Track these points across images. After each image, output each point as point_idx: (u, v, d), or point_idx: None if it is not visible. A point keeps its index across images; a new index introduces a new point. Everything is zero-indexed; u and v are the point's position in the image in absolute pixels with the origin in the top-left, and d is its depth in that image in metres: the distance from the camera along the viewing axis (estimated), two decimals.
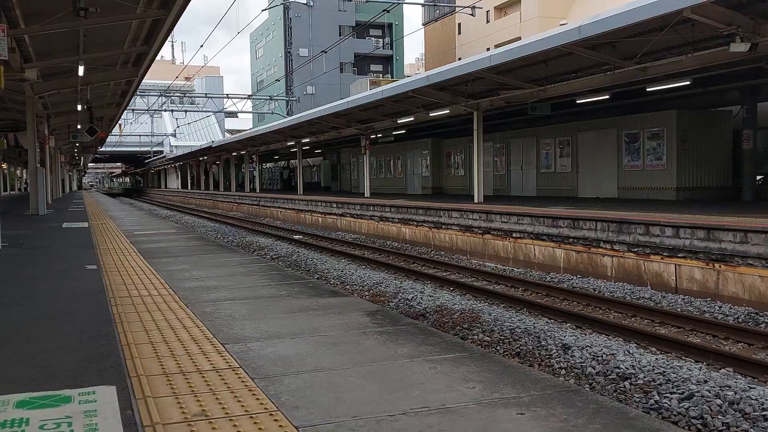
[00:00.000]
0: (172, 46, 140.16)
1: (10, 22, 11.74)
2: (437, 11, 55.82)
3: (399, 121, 23.51)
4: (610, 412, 2.72)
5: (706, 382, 5.70)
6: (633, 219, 11.59)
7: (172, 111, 61.94)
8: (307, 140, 32.91)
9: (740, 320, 8.70)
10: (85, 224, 14.39)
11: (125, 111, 32.51)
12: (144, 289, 5.81)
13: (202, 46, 50.04)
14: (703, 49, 12.30)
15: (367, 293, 10.79)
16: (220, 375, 3.29)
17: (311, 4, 62.04)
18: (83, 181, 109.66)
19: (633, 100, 19.15)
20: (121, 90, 23.33)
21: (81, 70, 15.42)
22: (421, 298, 9.83)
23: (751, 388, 5.55)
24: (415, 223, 18.56)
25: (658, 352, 7.23)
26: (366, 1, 54.60)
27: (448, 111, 20.04)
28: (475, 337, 7.79)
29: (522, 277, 12.36)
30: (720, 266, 9.88)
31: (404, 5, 45.03)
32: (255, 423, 2.64)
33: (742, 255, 9.62)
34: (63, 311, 4.86)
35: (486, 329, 8.01)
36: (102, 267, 7.27)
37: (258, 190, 43.35)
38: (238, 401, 2.90)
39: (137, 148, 73.75)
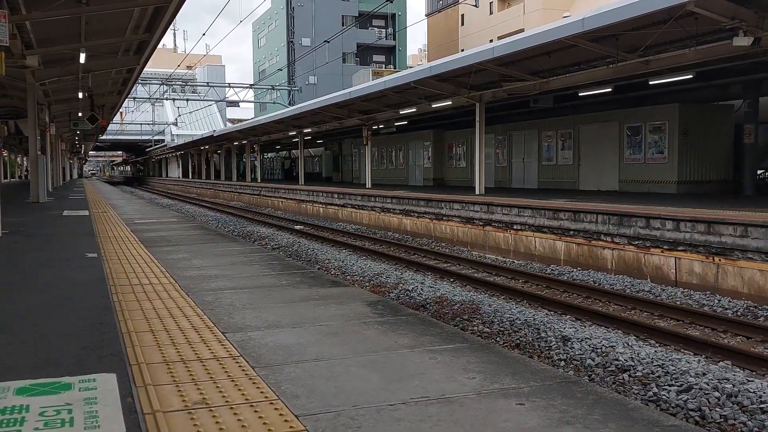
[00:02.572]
0: (174, 34, 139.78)
1: (11, 8, 11.70)
2: (440, 2, 55.64)
3: (401, 112, 23.46)
4: (609, 403, 2.73)
5: (704, 374, 5.71)
6: (634, 212, 11.59)
7: (173, 100, 61.81)
8: (308, 130, 32.86)
9: (739, 314, 8.71)
10: (86, 212, 14.39)
11: (126, 99, 32.44)
12: (144, 278, 5.82)
13: (204, 34, 49.76)
14: (705, 42, 12.26)
15: (367, 284, 10.81)
16: (220, 363, 3.30)
17: None
18: (84, 169, 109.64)
19: (635, 93, 19.12)
20: (123, 78, 23.27)
21: (82, 58, 15.39)
22: (422, 289, 9.84)
23: (749, 381, 5.56)
24: (416, 215, 18.56)
25: (657, 345, 7.25)
26: None
27: (450, 102, 20.00)
28: (475, 328, 7.81)
29: (522, 269, 12.37)
30: (720, 260, 9.88)
31: None
32: (255, 411, 2.65)
33: (741, 249, 9.63)
34: (63, 299, 4.87)
35: (486, 320, 8.02)
36: (103, 255, 7.27)
37: (259, 180, 43.33)
38: (239, 390, 2.91)
39: (138, 137, 73.67)
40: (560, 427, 2.48)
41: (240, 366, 3.26)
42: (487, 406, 2.70)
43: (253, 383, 3.00)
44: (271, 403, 2.74)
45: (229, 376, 3.10)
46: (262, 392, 2.88)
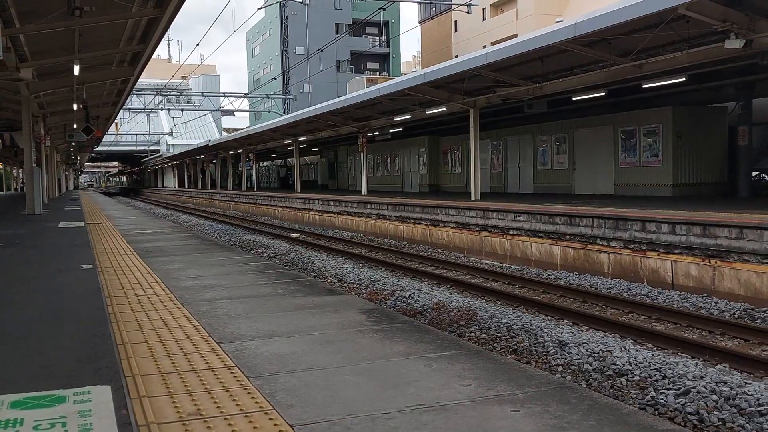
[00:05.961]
0: (168, 44, 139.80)
1: (5, 21, 11.72)
2: (433, 9, 55.80)
3: (396, 119, 23.50)
4: (604, 409, 2.73)
5: (702, 378, 5.71)
6: (629, 215, 11.60)
7: (168, 110, 61.76)
8: (304, 138, 32.89)
9: (736, 316, 8.72)
10: (82, 224, 14.36)
11: (121, 110, 32.43)
12: (140, 289, 5.80)
13: (198, 44, 49.79)
14: (698, 45, 12.30)
15: (364, 291, 10.79)
16: (215, 374, 3.29)
17: (307, 2, 61.96)
18: (80, 180, 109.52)
19: (629, 96, 19.17)
20: (117, 89, 23.27)
21: (76, 70, 15.39)
22: (419, 296, 9.83)
23: (747, 383, 5.56)
24: (412, 221, 18.56)
25: (655, 349, 7.25)
26: None
27: (444, 109, 20.04)
28: (472, 334, 7.80)
29: (519, 274, 12.37)
30: (716, 262, 9.90)
31: (400, 3, 45.02)
32: (250, 422, 2.64)
33: (738, 251, 9.64)
34: (59, 311, 4.85)
35: (483, 326, 8.01)
36: (98, 266, 7.25)
37: (255, 189, 43.33)
38: (234, 400, 2.90)
39: (134, 147, 73.54)
40: None
41: (235, 376, 3.25)
42: (483, 413, 2.69)
43: (248, 393, 2.99)
44: (266, 413, 2.73)
45: (224, 386, 3.10)
46: (257, 402, 2.87)
